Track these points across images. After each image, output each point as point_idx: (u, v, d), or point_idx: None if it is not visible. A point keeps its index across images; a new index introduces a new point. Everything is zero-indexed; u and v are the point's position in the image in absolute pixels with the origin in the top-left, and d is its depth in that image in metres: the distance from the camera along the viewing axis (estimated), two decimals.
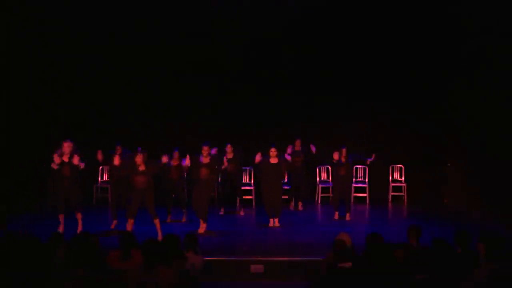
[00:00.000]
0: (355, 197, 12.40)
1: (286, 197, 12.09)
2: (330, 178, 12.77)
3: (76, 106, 12.50)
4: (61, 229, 8.81)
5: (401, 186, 12.78)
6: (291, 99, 12.65)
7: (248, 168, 12.42)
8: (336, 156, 10.70)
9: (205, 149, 9.65)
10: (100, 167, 12.52)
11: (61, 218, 9.08)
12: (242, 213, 11.49)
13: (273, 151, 10.11)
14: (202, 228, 9.49)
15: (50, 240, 6.31)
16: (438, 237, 6.02)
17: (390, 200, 12.77)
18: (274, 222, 10.15)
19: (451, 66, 11.83)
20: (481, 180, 11.00)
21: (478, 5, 10.42)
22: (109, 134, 12.48)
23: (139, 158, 8.90)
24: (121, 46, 12.10)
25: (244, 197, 12.26)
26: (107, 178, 12.22)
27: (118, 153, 9.92)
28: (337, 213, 10.83)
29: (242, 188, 12.08)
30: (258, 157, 10.07)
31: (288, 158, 10.49)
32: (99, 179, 12.59)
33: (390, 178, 12.88)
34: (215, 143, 12.18)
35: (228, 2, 11.40)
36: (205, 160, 9.61)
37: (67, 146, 9.06)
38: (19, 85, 11.23)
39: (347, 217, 10.74)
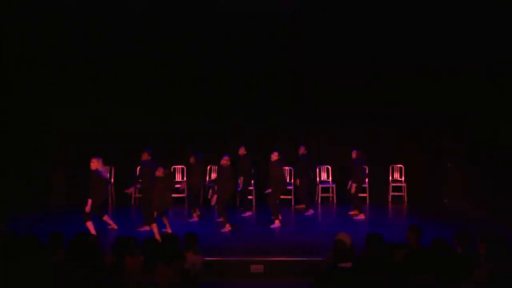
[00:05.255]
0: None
1: (290, 197, 12.16)
2: (331, 178, 12.81)
3: (76, 106, 12.47)
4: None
5: (401, 186, 12.78)
6: (292, 100, 12.62)
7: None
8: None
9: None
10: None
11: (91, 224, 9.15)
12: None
13: (276, 155, 10.32)
14: (227, 227, 9.82)
15: (50, 240, 6.31)
16: (438, 237, 6.03)
17: (390, 200, 12.77)
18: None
19: (451, 65, 11.81)
20: (481, 180, 11.01)
21: (476, 4, 10.42)
22: (109, 134, 12.49)
23: (159, 172, 9.18)
24: (122, 46, 12.08)
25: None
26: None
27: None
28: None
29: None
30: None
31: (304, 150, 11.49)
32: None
33: (390, 178, 12.88)
34: (215, 145, 12.21)
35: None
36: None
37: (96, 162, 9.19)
38: (19, 85, 11.22)
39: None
